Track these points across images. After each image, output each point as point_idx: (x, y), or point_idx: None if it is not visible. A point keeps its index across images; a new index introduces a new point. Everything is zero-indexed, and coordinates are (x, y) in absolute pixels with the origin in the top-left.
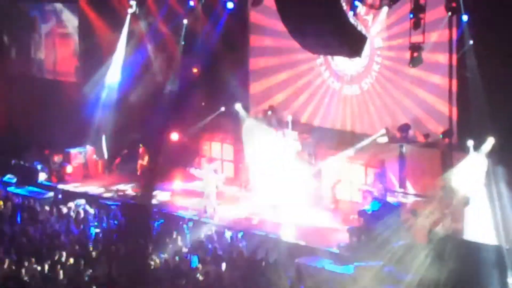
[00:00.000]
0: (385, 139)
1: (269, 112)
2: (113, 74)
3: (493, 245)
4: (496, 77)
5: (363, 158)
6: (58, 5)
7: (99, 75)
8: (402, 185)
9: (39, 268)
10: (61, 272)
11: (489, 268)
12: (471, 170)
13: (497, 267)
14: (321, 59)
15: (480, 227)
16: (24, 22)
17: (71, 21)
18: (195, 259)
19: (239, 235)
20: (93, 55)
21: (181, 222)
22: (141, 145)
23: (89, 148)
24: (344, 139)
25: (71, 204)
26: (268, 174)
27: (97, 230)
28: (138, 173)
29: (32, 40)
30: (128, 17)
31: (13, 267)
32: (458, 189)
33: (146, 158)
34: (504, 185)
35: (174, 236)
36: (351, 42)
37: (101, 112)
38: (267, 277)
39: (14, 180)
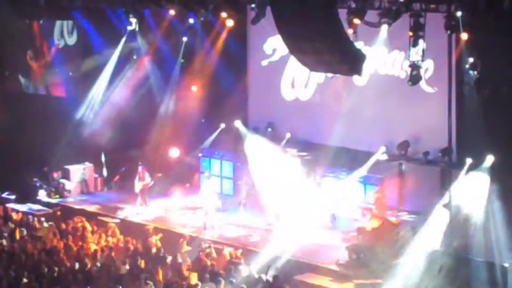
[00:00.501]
0: (384, 157)
1: (269, 129)
2: (111, 91)
3: (485, 261)
4: (495, 95)
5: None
6: (58, 22)
7: (97, 92)
8: (401, 202)
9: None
10: None
11: (481, 284)
12: (472, 188)
13: (489, 284)
14: (320, 76)
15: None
16: (24, 38)
17: (71, 37)
18: (194, 276)
19: (238, 252)
20: (93, 72)
21: (181, 239)
22: (140, 164)
23: (88, 165)
24: (343, 156)
25: (70, 221)
26: (270, 190)
27: (96, 247)
28: (136, 191)
29: (31, 56)
30: (127, 34)
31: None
32: (459, 207)
33: (147, 176)
34: (500, 203)
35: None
36: (350, 60)
37: (100, 129)
38: None
39: (13, 196)
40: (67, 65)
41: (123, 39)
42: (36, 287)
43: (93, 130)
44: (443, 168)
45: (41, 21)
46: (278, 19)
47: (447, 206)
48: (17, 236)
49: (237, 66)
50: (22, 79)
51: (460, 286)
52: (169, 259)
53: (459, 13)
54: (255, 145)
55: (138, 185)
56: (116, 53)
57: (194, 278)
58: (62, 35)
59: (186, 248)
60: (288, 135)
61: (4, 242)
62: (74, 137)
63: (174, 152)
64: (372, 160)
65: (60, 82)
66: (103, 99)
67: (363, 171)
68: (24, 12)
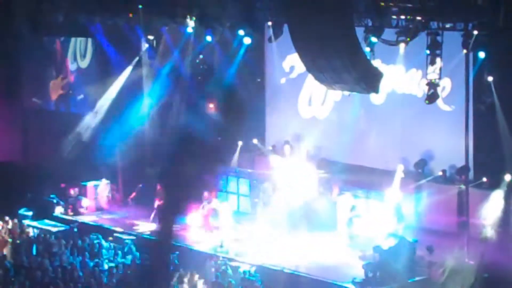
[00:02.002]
0: (401, 175)
1: (286, 146)
2: (128, 109)
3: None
4: None
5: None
6: (72, 44)
7: (113, 109)
8: (418, 220)
9: None
10: None
11: None
12: (490, 206)
13: None
14: (337, 94)
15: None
16: (43, 55)
17: (83, 60)
18: None
19: (252, 270)
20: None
21: (209, 259)
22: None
23: (105, 181)
24: (360, 174)
25: (87, 238)
26: (288, 207)
27: (112, 265)
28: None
29: (50, 73)
30: (144, 51)
31: None
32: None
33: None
34: None
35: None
36: (368, 78)
37: (118, 145)
38: None
39: (30, 213)
40: (83, 87)
41: (138, 56)
42: None
43: (111, 146)
44: (460, 186)
45: (62, 39)
46: (295, 37)
47: (429, 249)
48: (34, 252)
49: (255, 83)
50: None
51: None
52: (186, 276)
53: (476, 32)
54: (273, 162)
55: (157, 202)
56: (133, 70)
57: None
58: (75, 58)
59: (212, 267)
60: (306, 152)
61: (21, 258)
62: (92, 153)
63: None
64: (397, 179)
65: (78, 100)
66: (120, 116)
67: (395, 191)
68: (42, 29)
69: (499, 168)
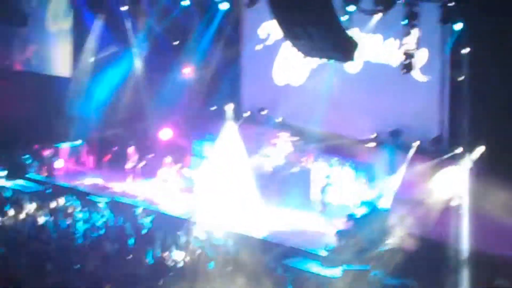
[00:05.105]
0: (373, 144)
1: (262, 113)
2: (103, 71)
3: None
4: (488, 85)
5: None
6: (52, 5)
7: (89, 71)
8: (391, 190)
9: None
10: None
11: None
12: (457, 176)
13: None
14: (313, 62)
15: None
16: (16, 16)
17: (65, 18)
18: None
19: (225, 235)
20: (87, 52)
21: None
22: (131, 145)
23: (79, 143)
24: (334, 142)
25: (60, 199)
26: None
27: (85, 226)
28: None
29: (23, 34)
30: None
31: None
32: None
33: (136, 158)
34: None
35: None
36: (343, 47)
37: (93, 108)
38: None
39: (5, 172)
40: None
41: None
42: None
43: (86, 108)
44: (434, 156)
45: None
46: (273, 4)
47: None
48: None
49: (231, 49)
50: None
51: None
52: (158, 240)
53: (453, 3)
54: (246, 129)
55: (129, 165)
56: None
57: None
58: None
59: (185, 231)
60: (281, 119)
61: None
62: (66, 114)
63: (165, 134)
64: (361, 146)
65: (55, 61)
66: (95, 78)
67: (351, 156)
68: None
69: (474, 139)
